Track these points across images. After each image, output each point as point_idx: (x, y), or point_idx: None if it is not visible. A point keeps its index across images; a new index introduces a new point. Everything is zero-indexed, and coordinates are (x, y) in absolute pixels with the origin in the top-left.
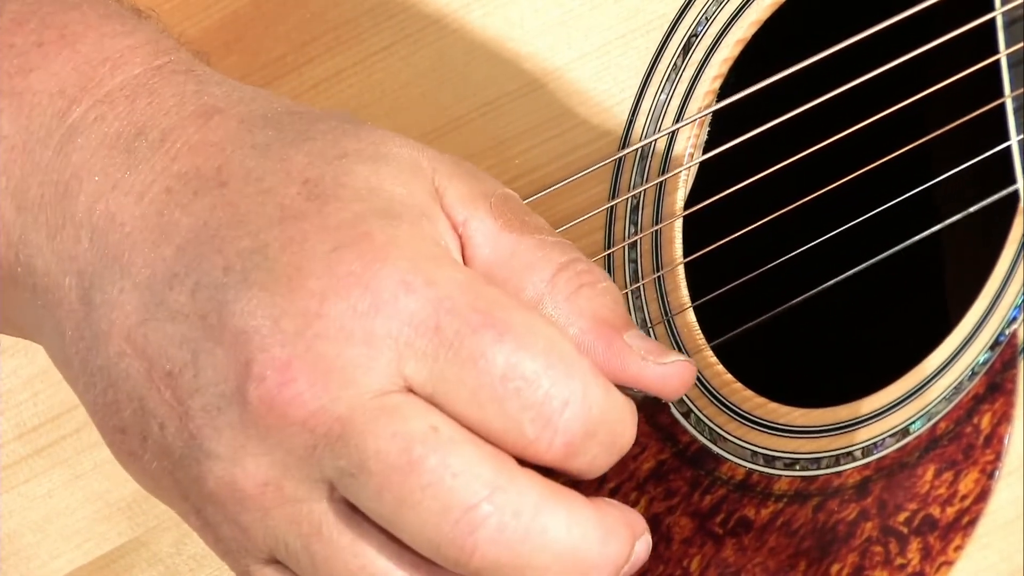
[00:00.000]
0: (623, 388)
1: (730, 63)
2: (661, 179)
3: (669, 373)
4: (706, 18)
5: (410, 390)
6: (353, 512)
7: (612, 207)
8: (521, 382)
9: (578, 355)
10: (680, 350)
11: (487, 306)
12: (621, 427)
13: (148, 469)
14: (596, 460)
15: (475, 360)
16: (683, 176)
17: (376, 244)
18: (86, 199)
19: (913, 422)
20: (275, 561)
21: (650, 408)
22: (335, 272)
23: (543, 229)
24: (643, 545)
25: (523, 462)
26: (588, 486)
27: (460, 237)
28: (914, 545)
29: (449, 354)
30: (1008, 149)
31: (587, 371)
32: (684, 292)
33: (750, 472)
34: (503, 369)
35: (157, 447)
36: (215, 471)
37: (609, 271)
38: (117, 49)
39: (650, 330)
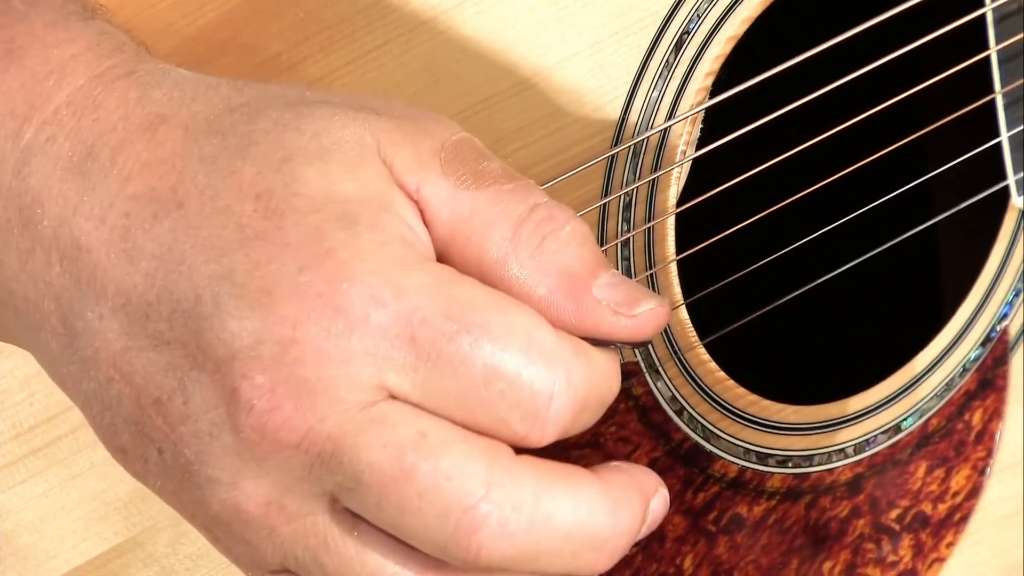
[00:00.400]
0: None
1: (722, 60)
2: (654, 176)
3: (640, 324)
4: (698, 15)
5: (395, 397)
6: (357, 521)
7: (605, 204)
8: (503, 384)
9: (556, 339)
10: (673, 348)
11: (459, 310)
12: (606, 387)
13: (155, 488)
14: (588, 423)
15: (455, 367)
16: (675, 173)
17: (340, 261)
18: (49, 223)
19: (905, 419)
20: (287, 571)
21: (641, 407)
22: (303, 296)
23: (498, 176)
24: (659, 502)
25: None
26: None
27: (417, 203)
28: (906, 542)
29: (428, 364)
30: (998, 145)
31: (567, 354)
32: (677, 289)
33: (743, 470)
34: (484, 373)
35: (158, 470)
36: (217, 495)
37: None
38: (61, 60)
39: None
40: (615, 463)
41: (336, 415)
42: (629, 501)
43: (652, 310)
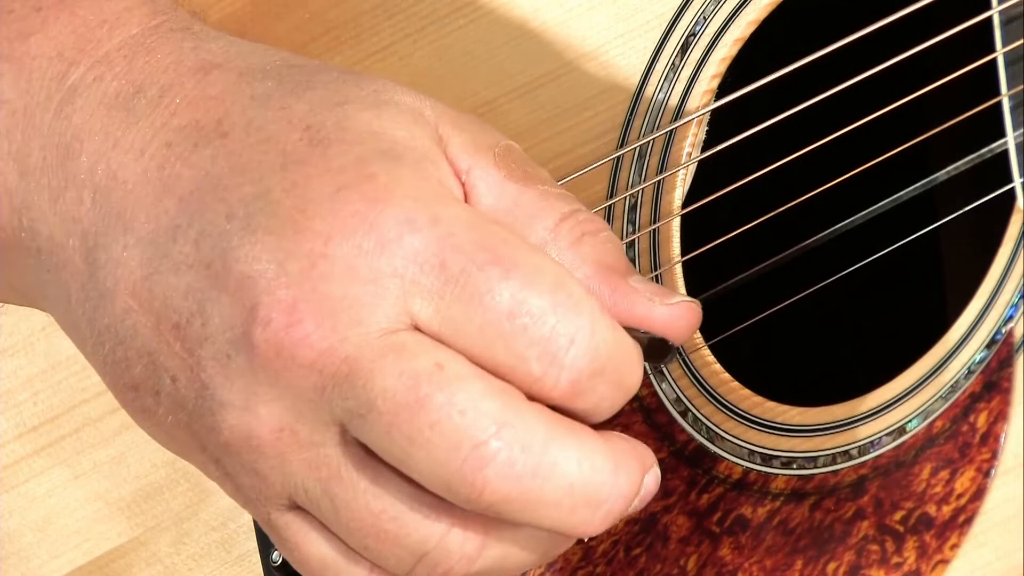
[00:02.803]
0: (629, 331)
1: (728, 62)
2: (659, 178)
3: (676, 314)
4: (704, 17)
5: (417, 328)
6: (369, 456)
7: (610, 206)
8: (527, 319)
9: (585, 293)
10: (677, 349)
11: (493, 243)
12: (628, 367)
13: (163, 424)
14: (603, 400)
15: (481, 297)
16: (681, 175)
17: (379, 184)
18: (87, 159)
19: (909, 420)
20: (296, 507)
21: (646, 409)
22: (339, 212)
23: (546, 180)
24: (652, 478)
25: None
26: None
27: (463, 185)
28: (910, 544)
29: (455, 291)
30: (1004, 148)
31: (594, 309)
32: (682, 291)
33: (747, 471)
34: (509, 305)
35: (170, 401)
36: (229, 420)
37: None
38: (114, 11)
39: None
40: (616, 432)
41: (355, 337)
42: (629, 467)
43: (687, 303)
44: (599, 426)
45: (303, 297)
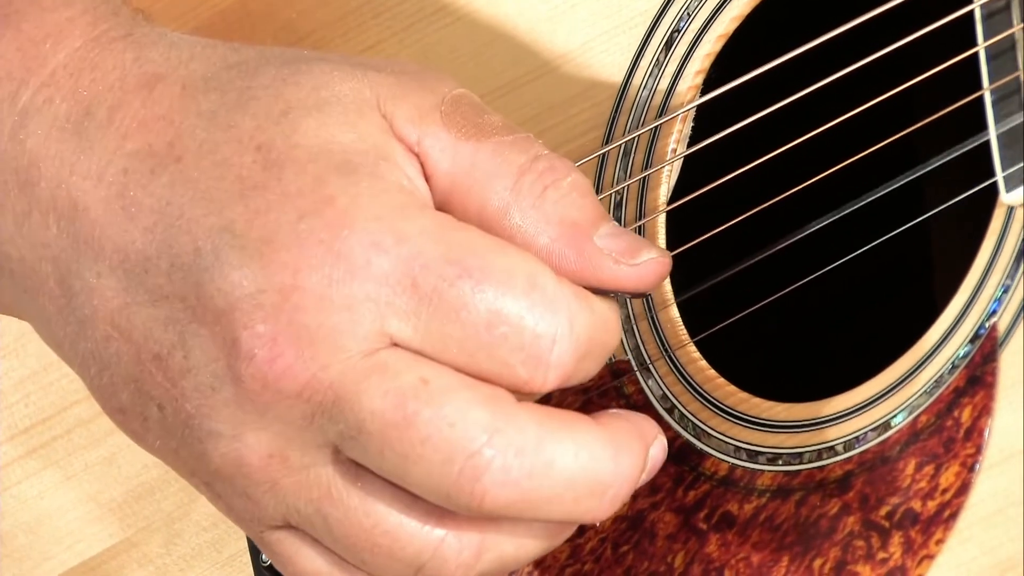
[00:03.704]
0: (600, 291)
1: (712, 58)
2: (644, 174)
3: (643, 272)
4: (688, 14)
5: (397, 345)
6: (359, 472)
7: None
8: (506, 327)
9: (557, 284)
10: (663, 346)
11: (461, 254)
12: (608, 336)
13: (153, 447)
14: (589, 372)
15: (457, 312)
16: (666, 171)
17: (340, 208)
18: (47, 185)
19: (894, 416)
20: (289, 526)
21: (632, 406)
22: (304, 243)
23: (499, 129)
24: (658, 449)
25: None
26: None
27: (418, 155)
28: (896, 539)
29: (430, 309)
30: (987, 141)
31: (569, 299)
32: (667, 288)
33: (733, 467)
34: (487, 317)
35: (159, 427)
36: (219, 448)
37: None
38: (57, 23)
39: (633, 326)
40: (614, 410)
41: (338, 363)
42: (630, 447)
43: (654, 259)
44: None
45: (281, 330)
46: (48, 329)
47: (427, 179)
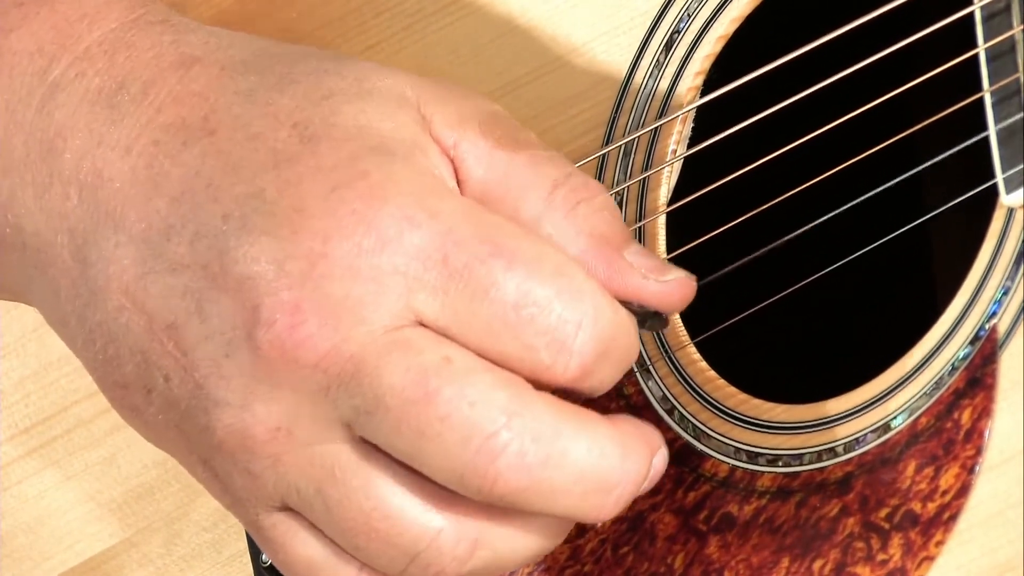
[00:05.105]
0: (625, 304)
1: (712, 59)
2: (644, 175)
3: (669, 290)
4: (688, 15)
5: (422, 323)
6: (364, 453)
7: None
8: (534, 308)
9: (586, 277)
10: (663, 347)
11: (494, 235)
12: (628, 344)
13: (152, 423)
14: (605, 379)
15: (486, 290)
16: (666, 172)
17: (374, 182)
18: (72, 156)
19: (894, 417)
20: (285, 508)
21: (632, 407)
22: (336, 212)
23: (535, 145)
24: (660, 459)
25: (536, 386)
26: None
27: (452, 160)
28: (896, 541)
29: (459, 286)
30: (987, 143)
31: (596, 292)
32: None
33: (733, 468)
34: (515, 297)
35: (162, 400)
36: (224, 419)
37: None
38: (94, 5)
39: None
40: (622, 415)
41: (360, 336)
42: (638, 450)
43: (681, 279)
44: (604, 409)
45: (305, 297)
46: (55, 305)
47: (459, 184)
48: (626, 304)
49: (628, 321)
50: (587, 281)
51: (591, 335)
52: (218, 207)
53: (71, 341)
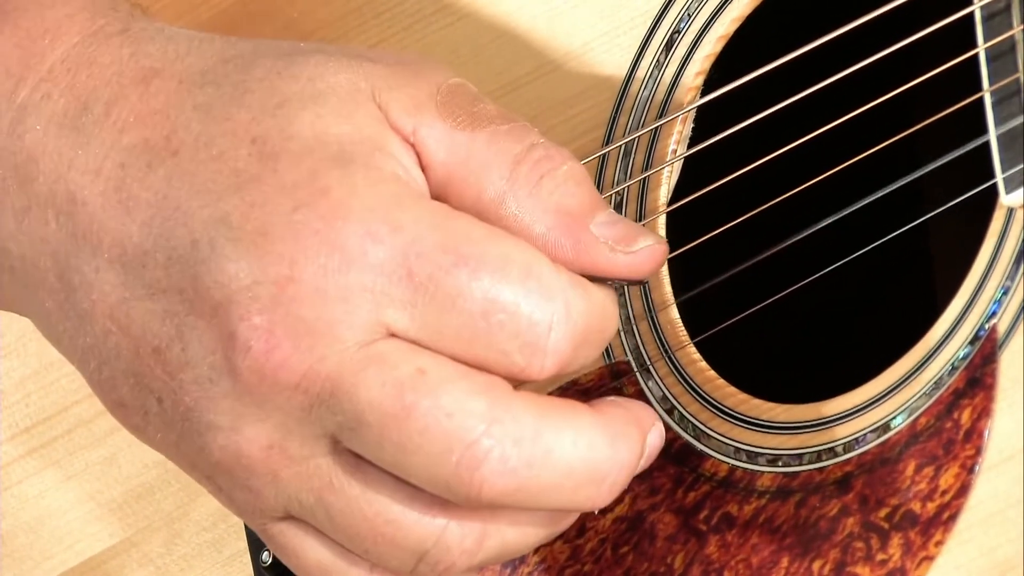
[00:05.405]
0: (597, 279)
1: (712, 59)
2: (644, 175)
3: (639, 260)
4: (688, 15)
5: (394, 335)
6: (360, 461)
7: None
8: (503, 315)
9: (553, 271)
10: (663, 347)
11: (456, 243)
12: (604, 323)
13: (154, 440)
14: (588, 359)
15: (453, 300)
16: (666, 172)
17: (334, 199)
18: (45, 180)
19: (894, 417)
20: (291, 517)
21: None
22: (299, 234)
23: (495, 118)
24: (655, 436)
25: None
26: None
27: (414, 146)
28: (895, 540)
29: (426, 298)
30: (986, 143)
31: (565, 285)
32: (667, 288)
33: (733, 468)
34: (483, 304)
35: (159, 420)
36: (218, 441)
37: None
38: (55, 19)
39: (633, 327)
40: (611, 398)
41: (334, 354)
42: (627, 434)
43: (650, 247)
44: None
45: (278, 321)
46: (48, 324)
47: (423, 169)
48: (599, 279)
49: (603, 302)
50: (556, 276)
51: (563, 333)
52: (187, 232)
53: (69, 358)
